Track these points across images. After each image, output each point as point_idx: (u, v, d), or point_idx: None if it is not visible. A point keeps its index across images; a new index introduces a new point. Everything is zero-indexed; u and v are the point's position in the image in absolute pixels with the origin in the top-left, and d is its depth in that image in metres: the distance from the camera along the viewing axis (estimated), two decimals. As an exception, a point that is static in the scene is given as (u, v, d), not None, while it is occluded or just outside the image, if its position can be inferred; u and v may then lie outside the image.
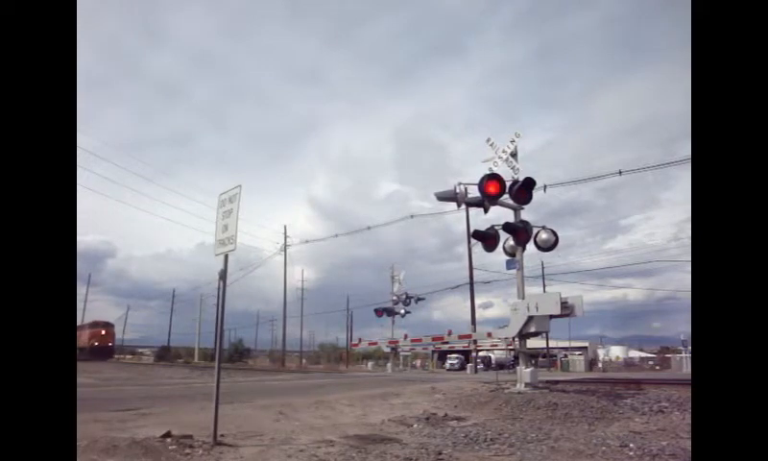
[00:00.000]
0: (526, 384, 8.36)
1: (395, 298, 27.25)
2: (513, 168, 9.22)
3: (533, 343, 12.24)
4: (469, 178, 12.85)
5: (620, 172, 20.33)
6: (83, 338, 41.46)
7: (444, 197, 9.86)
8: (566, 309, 8.25)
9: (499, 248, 9.56)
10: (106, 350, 42.17)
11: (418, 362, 45.05)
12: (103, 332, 43.06)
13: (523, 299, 8.86)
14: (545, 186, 14.26)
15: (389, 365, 28.55)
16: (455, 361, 40.47)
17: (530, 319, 8.56)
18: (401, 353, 35.92)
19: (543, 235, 9.28)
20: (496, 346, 34.32)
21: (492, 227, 9.45)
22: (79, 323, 44.84)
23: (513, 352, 27.42)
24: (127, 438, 3.97)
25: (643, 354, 53.74)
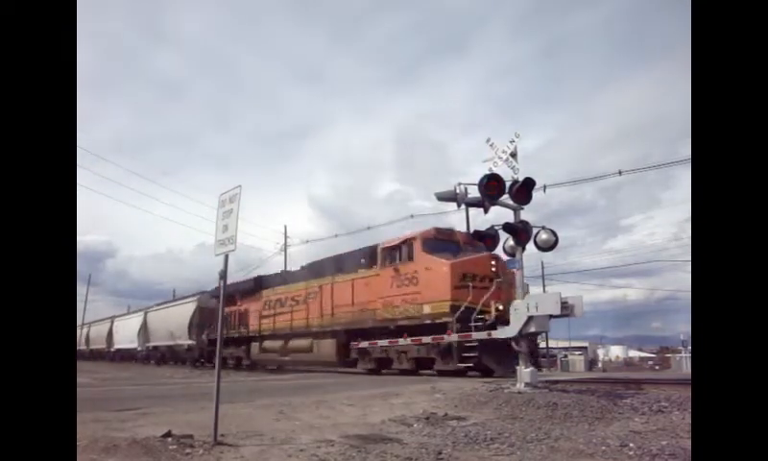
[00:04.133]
0: (526, 384, 8.35)
1: (394, 298, 27.21)
2: (512, 168, 9.21)
3: (533, 343, 12.19)
4: (470, 177, 12.87)
5: (620, 172, 20.33)
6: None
7: (444, 197, 9.84)
8: (566, 309, 8.24)
9: (499, 248, 9.57)
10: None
11: (417, 362, 45.01)
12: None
13: (523, 299, 8.86)
14: (545, 186, 14.24)
15: (389, 365, 28.52)
16: (455, 361, 40.42)
17: (530, 319, 8.56)
18: (401, 353, 35.87)
19: (543, 235, 9.27)
20: (496, 346, 34.28)
21: (492, 227, 9.44)
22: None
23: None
24: (127, 438, 3.97)
25: (643, 354, 53.79)
